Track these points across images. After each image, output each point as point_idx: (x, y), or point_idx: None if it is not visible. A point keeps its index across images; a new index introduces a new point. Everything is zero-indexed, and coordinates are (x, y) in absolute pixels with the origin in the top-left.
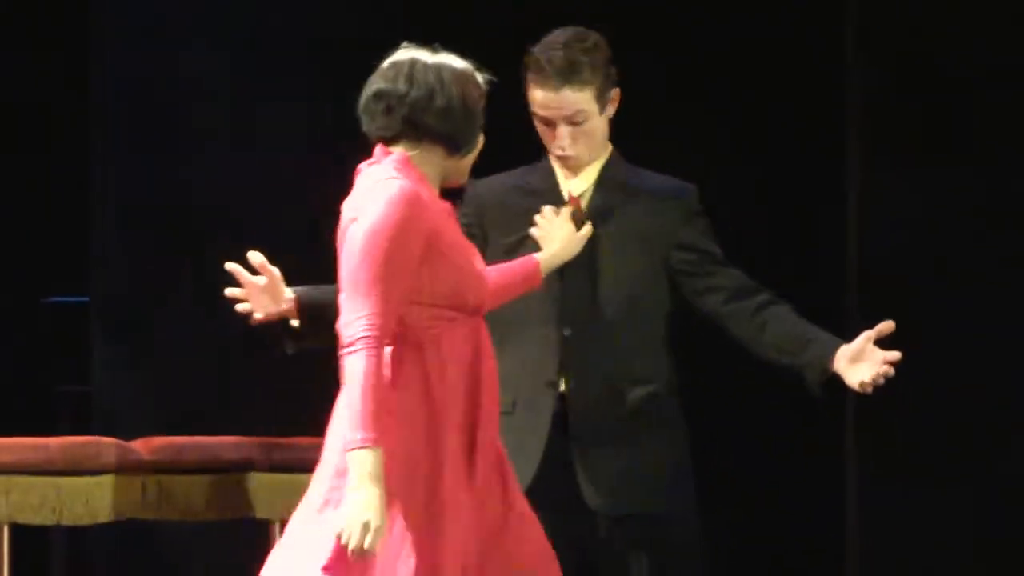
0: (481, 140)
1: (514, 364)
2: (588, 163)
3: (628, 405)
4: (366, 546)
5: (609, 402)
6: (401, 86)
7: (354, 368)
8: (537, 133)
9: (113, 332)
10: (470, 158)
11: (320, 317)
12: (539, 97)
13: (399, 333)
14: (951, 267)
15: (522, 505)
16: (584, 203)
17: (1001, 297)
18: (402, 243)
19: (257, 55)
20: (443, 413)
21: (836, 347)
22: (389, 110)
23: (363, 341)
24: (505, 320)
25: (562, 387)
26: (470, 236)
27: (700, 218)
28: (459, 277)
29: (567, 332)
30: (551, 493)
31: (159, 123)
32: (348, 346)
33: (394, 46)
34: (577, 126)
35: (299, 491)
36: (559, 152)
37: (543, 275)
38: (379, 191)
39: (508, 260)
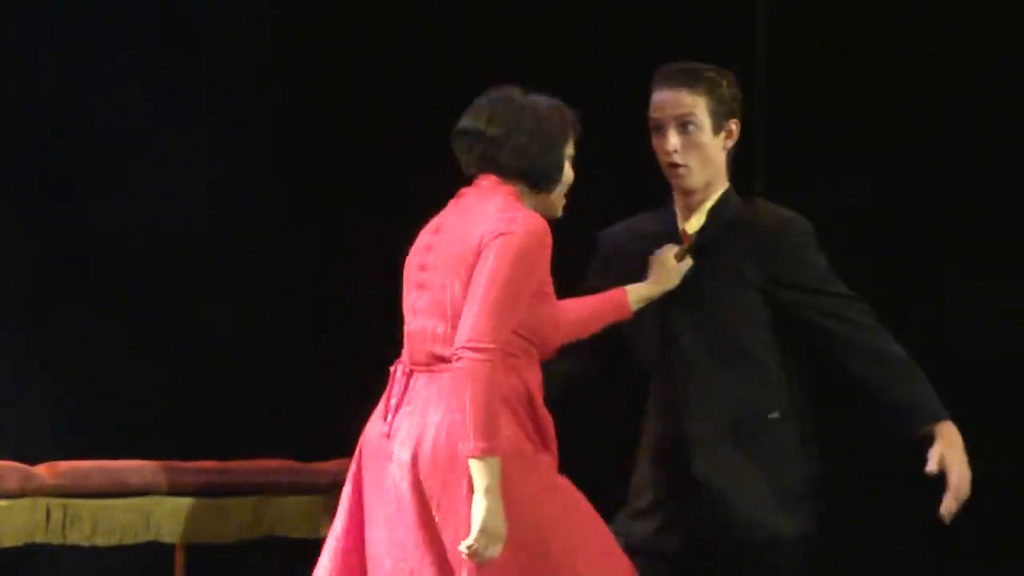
0: (570, 175)
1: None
2: (701, 186)
3: (734, 433)
4: (491, 554)
5: (717, 430)
6: (481, 124)
7: (480, 376)
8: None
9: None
10: (558, 193)
11: None
12: (655, 99)
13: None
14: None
15: None
16: (696, 240)
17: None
18: (533, 273)
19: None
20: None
21: (938, 421)
22: (471, 148)
23: (492, 352)
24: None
25: (684, 430)
26: (598, 290)
27: (808, 252)
28: (547, 319)
29: (678, 373)
30: (677, 520)
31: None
32: (477, 351)
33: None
34: (687, 134)
35: (204, 515)
36: (668, 159)
37: (634, 307)
38: (524, 218)
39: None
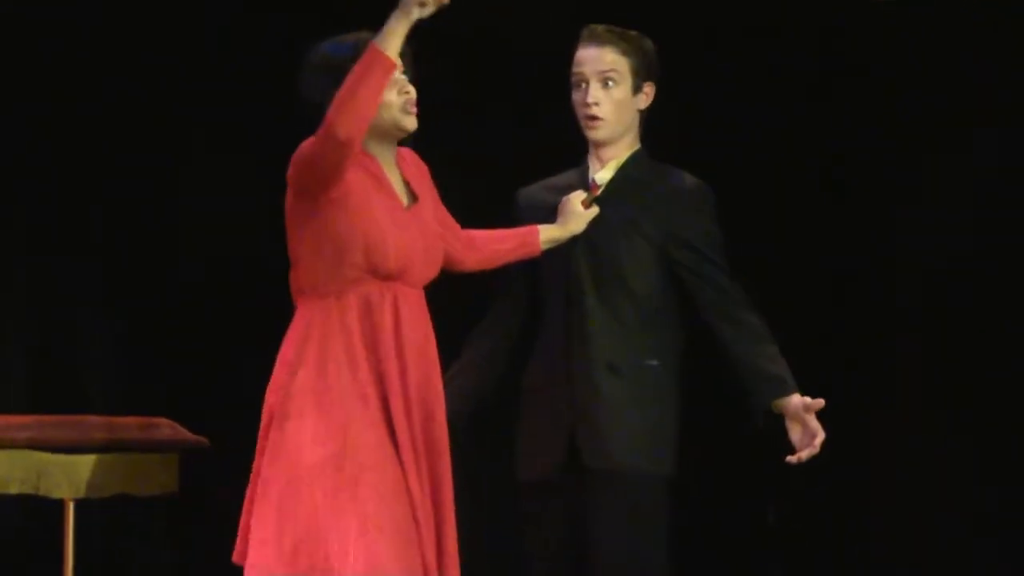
0: (413, 94)
1: (542, 341)
2: (614, 140)
3: (623, 376)
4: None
5: (606, 373)
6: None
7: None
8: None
9: None
10: (394, 106)
11: None
12: (580, 55)
13: (309, 283)
14: None
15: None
16: (603, 191)
17: None
18: (309, 189)
19: None
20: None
21: (784, 394)
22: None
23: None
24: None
25: (572, 365)
26: None
27: (706, 219)
28: (367, 240)
29: (574, 312)
30: (560, 455)
31: None
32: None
33: None
34: (607, 89)
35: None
36: (587, 111)
37: (542, 246)
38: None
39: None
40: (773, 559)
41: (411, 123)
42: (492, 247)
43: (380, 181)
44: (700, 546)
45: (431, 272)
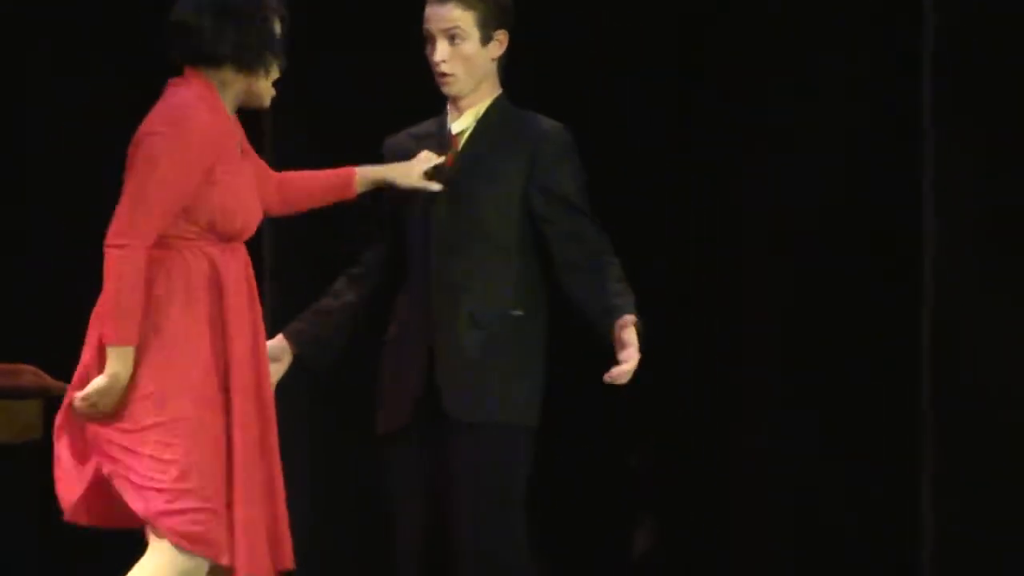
0: (275, 65)
1: (402, 295)
2: (467, 93)
3: (484, 327)
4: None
5: (468, 323)
6: (177, 15)
7: (120, 269)
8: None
9: None
10: (266, 80)
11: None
12: (427, 12)
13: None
14: None
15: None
16: (462, 141)
17: None
18: (182, 165)
19: None
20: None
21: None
22: (171, 40)
23: (128, 248)
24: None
25: (433, 315)
26: (377, 199)
27: (563, 163)
28: (223, 209)
29: (435, 261)
30: (419, 404)
31: None
32: (111, 248)
33: None
34: (454, 45)
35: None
36: (437, 69)
37: (359, 188)
38: (169, 111)
39: (401, 206)
40: (641, 506)
41: (268, 103)
42: (300, 186)
43: (237, 145)
44: (564, 495)
45: (256, 225)
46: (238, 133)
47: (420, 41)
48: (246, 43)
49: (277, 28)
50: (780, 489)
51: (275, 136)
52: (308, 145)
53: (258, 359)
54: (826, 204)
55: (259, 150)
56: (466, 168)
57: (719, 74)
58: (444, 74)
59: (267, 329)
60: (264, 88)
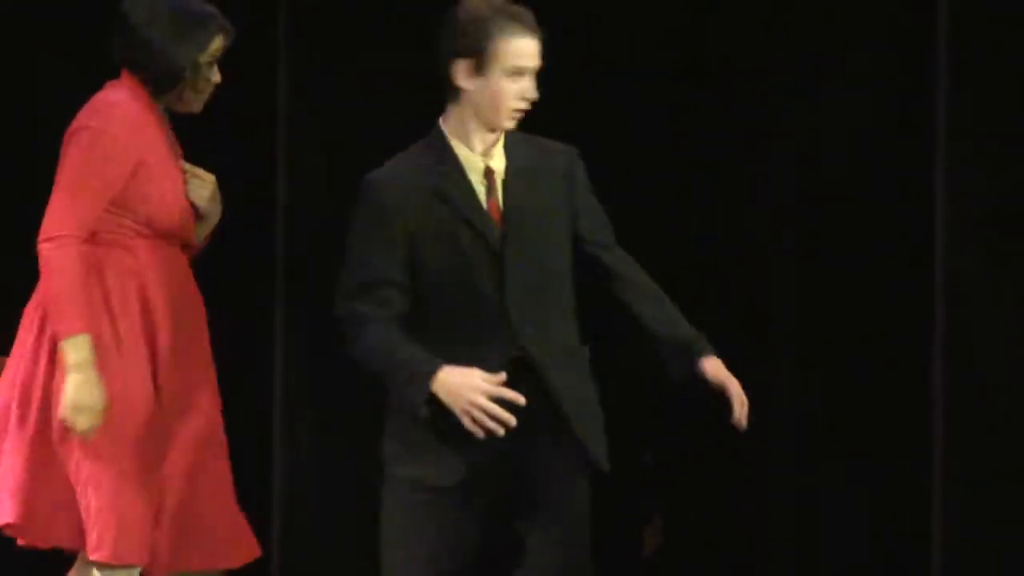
0: (215, 77)
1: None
2: None
3: (566, 362)
4: (84, 427)
5: (554, 357)
6: (122, 17)
7: (58, 262)
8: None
9: None
10: (196, 93)
11: None
12: (522, 46)
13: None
14: None
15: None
16: (499, 179)
17: None
18: (112, 161)
19: None
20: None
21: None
22: (114, 39)
23: (63, 240)
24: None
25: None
26: (391, 242)
27: (589, 186)
28: (157, 198)
29: (513, 311)
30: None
31: None
32: (49, 240)
33: None
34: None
35: None
36: (522, 105)
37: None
38: (98, 107)
39: (438, 284)
40: (650, 499)
41: (198, 110)
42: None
43: (167, 142)
44: None
45: (193, 227)
46: (170, 135)
47: (424, 43)
48: (157, 57)
49: (215, 44)
50: (780, 489)
51: (286, 137)
52: (320, 145)
53: (190, 362)
54: (831, 200)
55: (270, 152)
56: (524, 207)
57: (719, 74)
58: (524, 111)
59: (279, 328)
60: (190, 97)
